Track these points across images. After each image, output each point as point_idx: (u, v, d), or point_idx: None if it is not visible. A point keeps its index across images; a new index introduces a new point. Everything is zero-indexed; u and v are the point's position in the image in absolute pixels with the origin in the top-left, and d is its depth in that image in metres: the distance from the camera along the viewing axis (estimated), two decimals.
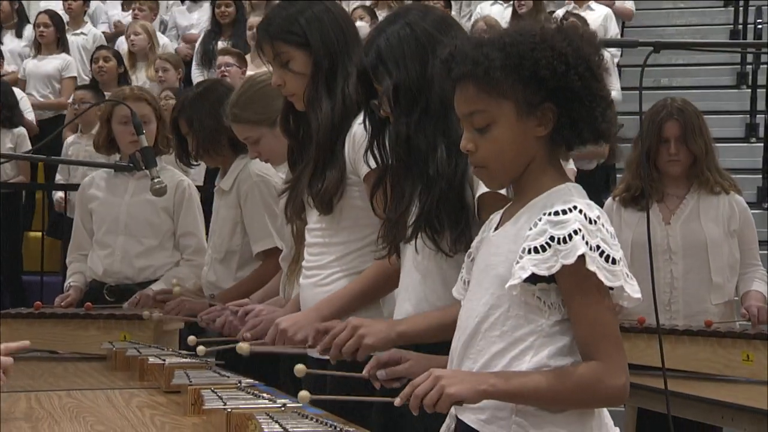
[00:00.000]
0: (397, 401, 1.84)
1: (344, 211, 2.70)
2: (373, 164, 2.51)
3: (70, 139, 7.23)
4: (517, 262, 1.83)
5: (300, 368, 2.03)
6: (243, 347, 2.41)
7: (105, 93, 7.13)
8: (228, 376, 2.58)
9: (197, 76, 8.52)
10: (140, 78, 8.18)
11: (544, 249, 1.81)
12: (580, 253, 1.79)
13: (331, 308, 2.63)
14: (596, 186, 6.79)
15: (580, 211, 1.82)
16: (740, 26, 9.66)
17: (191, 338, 2.84)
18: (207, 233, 4.29)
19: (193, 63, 8.70)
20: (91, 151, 4.63)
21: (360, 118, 2.64)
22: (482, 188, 2.16)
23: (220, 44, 8.61)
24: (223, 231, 3.81)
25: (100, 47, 8.23)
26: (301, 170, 2.80)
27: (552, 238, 1.81)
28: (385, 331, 2.18)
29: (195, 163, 4.06)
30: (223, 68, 7.37)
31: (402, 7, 2.55)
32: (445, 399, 1.79)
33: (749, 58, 8.83)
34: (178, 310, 3.63)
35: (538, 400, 1.84)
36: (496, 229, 1.97)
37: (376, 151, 2.45)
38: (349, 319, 1.98)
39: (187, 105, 3.82)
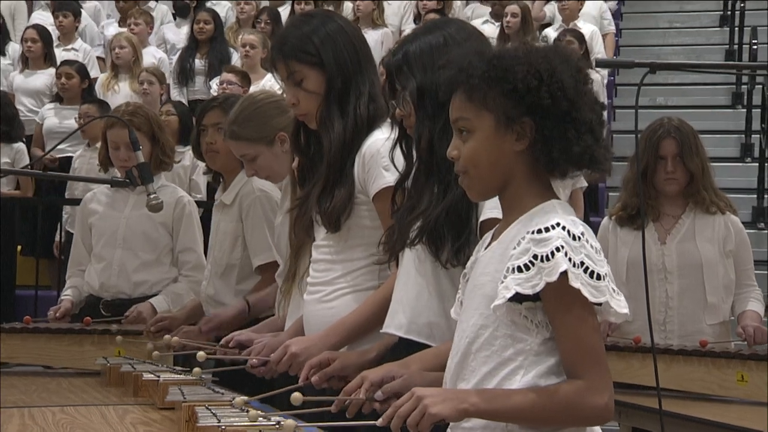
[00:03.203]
0: (379, 422, 1.84)
1: (352, 230, 2.71)
2: (383, 181, 2.53)
3: (78, 152, 7.23)
4: (502, 282, 1.84)
5: (296, 397, 2.01)
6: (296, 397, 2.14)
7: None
8: (222, 393, 2.58)
9: (175, 94, 8.53)
10: (123, 90, 8.16)
11: (527, 268, 1.82)
12: (562, 270, 1.79)
13: (338, 335, 2.63)
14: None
15: (563, 228, 1.83)
16: (735, 46, 9.70)
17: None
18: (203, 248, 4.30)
19: (171, 80, 8.69)
20: (96, 164, 4.64)
21: (370, 139, 2.66)
22: (486, 214, 2.17)
23: (197, 62, 8.61)
24: (224, 245, 3.81)
25: (63, 63, 8.16)
26: (310, 188, 2.80)
27: (535, 257, 1.81)
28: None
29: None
30: (225, 85, 7.37)
31: (441, 19, 2.57)
32: (428, 419, 1.80)
33: (744, 78, 8.86)
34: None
35: (520, 419, 1.84)
36: (486, 248, 1.98)
37: (402, 153, 2.46)
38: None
39: (231, 102, 3.76)
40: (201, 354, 2.83)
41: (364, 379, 2.13)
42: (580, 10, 9.06)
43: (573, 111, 1.88)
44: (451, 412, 1.80)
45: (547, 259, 1.80)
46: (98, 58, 9.23)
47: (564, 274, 1.79)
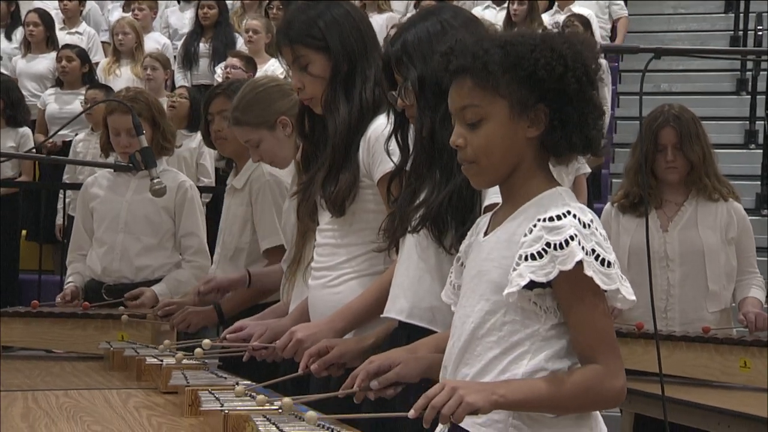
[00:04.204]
0: (411, 413, 1.81)
1: (356, 214, 2.71)
2: (388, 166, 2.52)
3: (80, 136, 7.24)
4: (514, 269, 1.84)
5: (311, 416, 1.98)
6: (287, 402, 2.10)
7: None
8: (225, 378, 2.58)
9: (179, 79, 8.53)
10: (125, 74, 8.17)
11: (540, 255, 1.82)
12: (578, 259, 1.80)
13: (344, 320, 2.62)
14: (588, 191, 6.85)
15: (574, 216, 1.83)
16: (740, 32, 9.68)
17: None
18: (210, 233, 4.31)
19: (175, 64, 8.69)
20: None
21: (375, 123, 2.65)
22: (491, 198, 2.17)
23: (201, 46, 8.60)
24: (233, 228, 3.84)
25: (64, 47, 8.16)
26: (314, 172, 2.80)
27: (548, 244, 1.82)
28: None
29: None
30: (228, 69, 7.37)
31: (435, 5, 2.55)
32: (464, 407, 1.77)
33: (749, 64, 8.84)
34: (188, 323, 3.61)
35: (544, 407, 1.84)
36: (486, 234, 1.97)
37: (397, 143, 2.46)
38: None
39: (235, 87, 3.78)
40: (206, 342, 2.83)
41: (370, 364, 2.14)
42: None
43: (595, 97, 1.90)
44: (485, 402, 1.79)
45: (561, 247, 1.80)
46: (104, 42, 9.23)
47: (579, 262, 1.79)
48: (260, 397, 2.10)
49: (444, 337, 2.19)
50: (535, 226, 1.84)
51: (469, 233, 2.06)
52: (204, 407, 2.18)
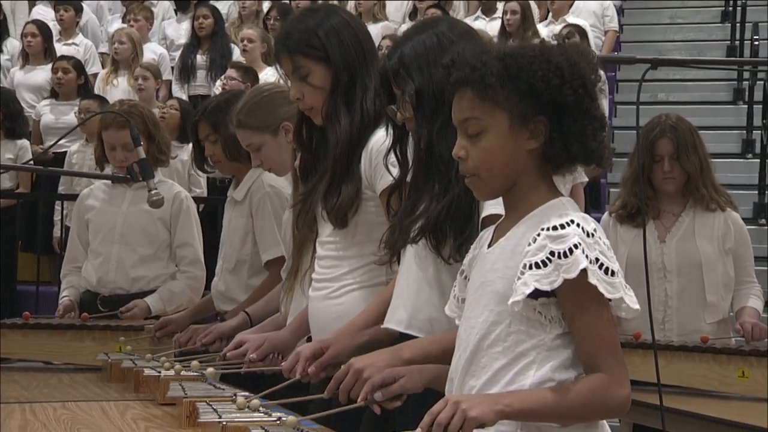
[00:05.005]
0: None
1: (359, 226, 2.70)
2: (390, 178, 2.52)
3: (74, 147, 7.24)
4: (519, 278, 1.84)
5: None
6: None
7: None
8: (223, 389, 2.58)
9: (176, 90, 8.55)
10: (121, 85, 8.19)
11: (545, 264, 1.82)
12: (582, 267, 1.80)
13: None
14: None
15: (578, 225, 1.84)
16: (737, 42, 9.70)
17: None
18: (204, 244, 4.31)
19: (173, 76, 8.69)
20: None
21: (376, 134, 2.65)
22: (488, 210, 2.17)
23: (199, 57, 8.62)
24: (234, 241, 3.83)
25: (60, 58, 8.18)
26: (314, 183, 2.78)
27: (552, 253, 1.82)
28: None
29: (210, 169, 4.07)
30: (226, 81, 7.40)
31: (431, 17, 2.56)
32: (469, 423, 1.77)
33: (746, 74, 8.86)
34: (194, 341, 3.56)
35: (550, 416, 1.84)
36: (489, 246, 1.98)
37: (396, 158, 2.46)
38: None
39: (211, 110, 3.83)
40: (210, 371, 2.80)
41: (350, 366, 2.14)
42: (570, 6, 9.09)
43: (594, 108, 1.90)
44: (489, 414, 1.79)
45: (565, 255, 1.81)
46: (103, 53, 9.23)
47: (583, 271, 1.80)
48: (254, 401, 2.10)
49: (430, 341, 2.20)
50: (538, 235, 1.85)
51: (472, 246, 2.06)
52: (202, 419, 2.17)
